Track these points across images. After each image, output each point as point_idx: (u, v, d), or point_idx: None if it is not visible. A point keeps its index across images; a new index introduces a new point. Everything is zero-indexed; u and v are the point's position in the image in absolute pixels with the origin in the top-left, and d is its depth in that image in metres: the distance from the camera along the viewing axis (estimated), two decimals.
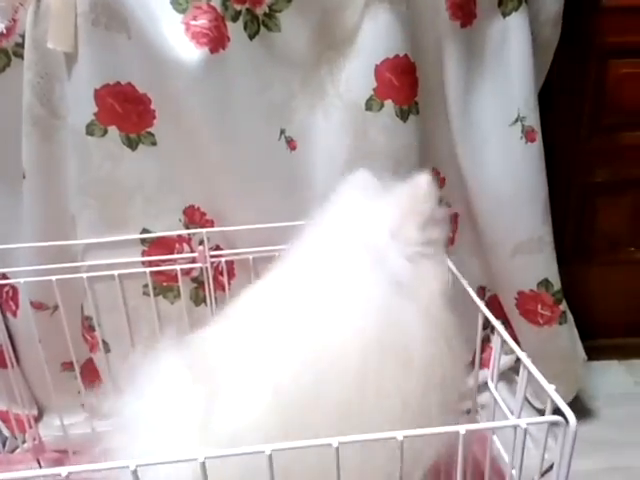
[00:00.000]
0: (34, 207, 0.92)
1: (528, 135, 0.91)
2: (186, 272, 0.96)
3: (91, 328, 0.98)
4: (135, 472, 0.42)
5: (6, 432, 1.04)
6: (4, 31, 0.83)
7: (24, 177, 0.91)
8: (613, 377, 1.27)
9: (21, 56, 0.87)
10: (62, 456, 1.04)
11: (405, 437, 0.44)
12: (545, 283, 1.00)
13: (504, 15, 0.86)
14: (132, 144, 0.88)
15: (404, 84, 0.87)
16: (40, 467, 1.00)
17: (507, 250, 0.98)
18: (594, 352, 1.22)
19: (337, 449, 0.45)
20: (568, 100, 1.17)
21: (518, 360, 0.56)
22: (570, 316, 1.08)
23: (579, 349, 1.10)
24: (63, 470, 0.42)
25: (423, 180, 0.59)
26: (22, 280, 0.92)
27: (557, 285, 1.00)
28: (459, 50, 0.87)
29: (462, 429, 0.46)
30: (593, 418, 1.16)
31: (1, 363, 1.05)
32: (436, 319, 0.55)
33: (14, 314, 1.03)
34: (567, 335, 1.05)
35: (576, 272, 1.26)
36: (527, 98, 0.88)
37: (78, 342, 1.03)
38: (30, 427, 1.01)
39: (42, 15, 0.80)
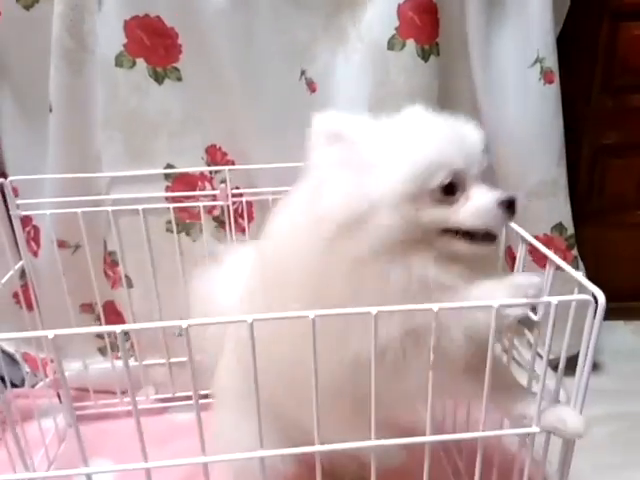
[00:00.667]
0: (60, 141, 0.94)
1: (546, 76, 0.92)
2: (208, 210, 0.98)
3: (114, 263, 1.00)
4: (187, 329, 0.45)
5: (26, 368, 1.06)
6: None
7: (50, 110, 0.92)
8: (619, 336, 1.31)
9: None
10: (83, 393, 1.06)
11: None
12: (559, 227, 1.02)
13: None
14: (159, 78, 0.90)
15: (426, 23, 0.89)
16: (60, 402, 1.02)
17: (523, 193, 0.99)
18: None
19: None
20: (580, 60, 1.18)
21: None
22: (582, 264, 1.10)
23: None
24: None
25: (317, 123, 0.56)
26: (48, 212, 0.94)
27: (570, 229, 1.02)
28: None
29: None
30: (600, 371, 1.20)
31: (19, 304, 1.06)
32: None
33: (35, 254, 1.05)
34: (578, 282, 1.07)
35: (585, 233, 1.27)
36: (546, 40, 0.90)
37: (98, 283, 1.05)
38: (52, 361, 1.03)
39: None
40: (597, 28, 1.15)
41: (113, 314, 1.08)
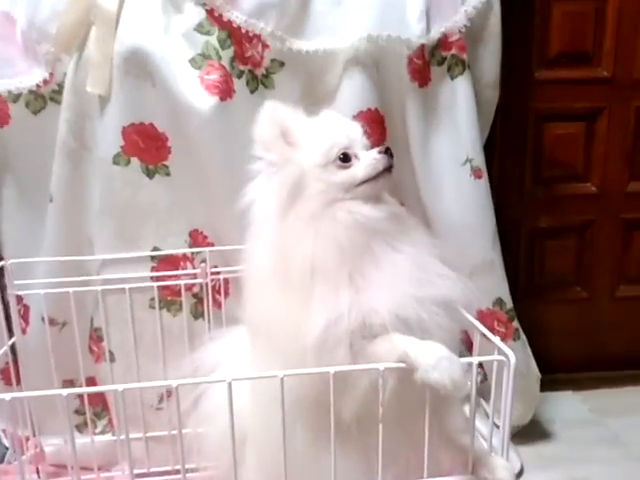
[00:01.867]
0: (57, 227, 1.06)
1: (476, 173, 1.12)
2: (188, 287, 1.09)
3: (99, 339, 1.09)
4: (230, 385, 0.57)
5: (6, 442, 1.10)
6: (47, 77, 1.01)
7: (51, 201, 1.05)
8: (569, 405, 1.40)
9: (55, 100, 1.04)
10: (62, 470, 1.09)
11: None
12: (499, 302, 1.17)
13: (452, 78, 1.09)
14: (150, 174, 1.05)
15: (375, 132, 1.08)
16: (39, 477, 1.06)
17: (465, 272, 1.15)
18: (550, 384, 1.35)
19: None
20: (512, 156, 1.39)
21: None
22: (523, 335, 1.24)
23: (533, 366, 1.24)
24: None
25: (265, 108, 0.76)
26: (43, 291, 1.04)
27: (509, 304, 1.17)
28: (418, 105, 1.08)
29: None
30: (551, 439, 1.29)
31: (6, 381, 1.12)
32: None
33: (23, 331, 1.13)
34: (521, 351, 1.20)
35: (530, 309, 1.40)
36: (474, 143, 1.10)
37: (79, 359, 1.12)
38: (34, 435, 1.07)
39: (82, 65, 0.99)
40: (524, 129, 1.36)
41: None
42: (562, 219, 1.41)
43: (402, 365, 0.65)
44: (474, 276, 1.11)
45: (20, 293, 1.03)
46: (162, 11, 0.98)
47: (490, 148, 1.26)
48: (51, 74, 1.01)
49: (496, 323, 1.16)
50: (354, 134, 0.76)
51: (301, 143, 0.73)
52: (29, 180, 1.05)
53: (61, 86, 1.02)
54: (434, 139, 1.10)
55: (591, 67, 1.32)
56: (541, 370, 1.23)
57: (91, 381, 1.14)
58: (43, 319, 1.08)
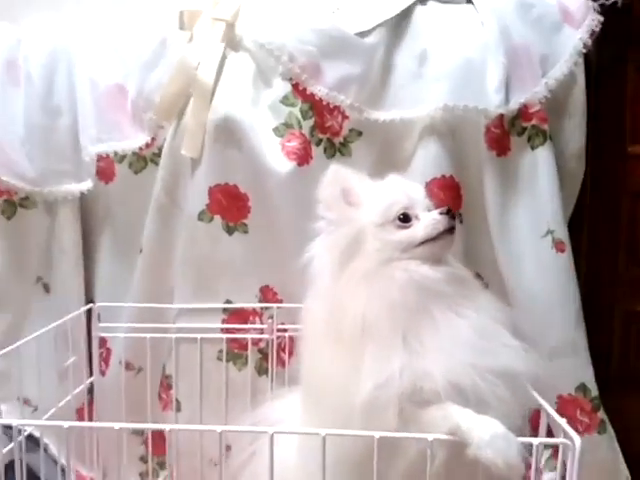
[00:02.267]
0: (143, 277, 1.14)
1: (557, 246, 1.06)
2: (255, 342, 1.12)
3: (169, 386, 1.14)
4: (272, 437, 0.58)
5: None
6: (149, 141, 1.13)
7: (140, 251, 1.14)
8: None
9: (155, 162, 1.15)
10: None
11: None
12: (583, 388, 1.07)
13: (532, 148, 1.07)
14: (230, 230, 1.11)
15: (449, 198, 1.07)
16: None
17: (544, 353, 1.07)
18: None
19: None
20: (604, 234, 1.31)
21: None
22: (610, 429, 1.11)
23: (621, 466, 1.10)
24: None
25: (329, 170, 0.78)
26: (122, 335, 1.11)
27: (594, 391, 1.06)
28: (496, 174, 1.07)
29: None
30: None
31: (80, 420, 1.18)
32: None
33: (103, 373, 1.21)
34: (607, 447, 1.08)
35: (623, 401, 1.26)
36: (555, 215, 1.05)
37: (153, 406, 1.17)
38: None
39: (180, 131, 1.10)
40: (617, 205, 1.28)
41: (160, 439, 1.17)
42: None
43: (453, 438, 0.61)
44: (554, 357, 1.04)
45: (103, 335, 1.10)
46: (252, 85, 1.08)
47: (579, 224, 1.20)
48: (153, 139, 1.12)
49: (578, 412, 1.06)
50: (416, 194, 0.77)
51: (362, 203, 0.75)
52: (125, 231, 1.15)
53: (161, 149, 1.13)
54: (513, 209, 1.07)
55: None
56: (633, 472, 1.08)
57: (158, 432, 1.15)
58: (121, 362, 1.14)
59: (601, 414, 1.07)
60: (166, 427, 0.63)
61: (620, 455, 1.09)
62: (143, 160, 1.15)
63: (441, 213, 0.74)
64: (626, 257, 1.30)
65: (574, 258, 1.11)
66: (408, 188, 0.78)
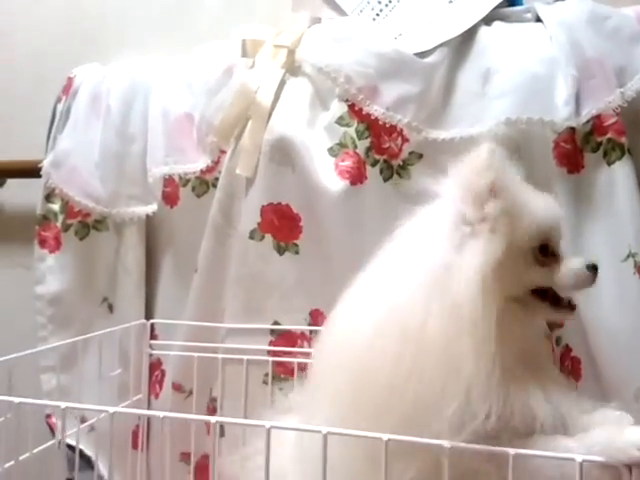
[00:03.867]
0: (198, 295, 1.14)
1: None
2: (302, 367, 1.06)
3: (214, 410, 1.10)
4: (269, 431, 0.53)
5: None
6: (210, 165, 1.16)
7: (196, 271, 1.15)
8: None
9: (216, 186, 1.18)
10: None
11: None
12: None
13: (609, 164, 0.97)
14: (281, 250, 1.10)
15: None
16: None
17: (629, 395, 0.92)
18: None
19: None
20: None
21: None
22: None
23: None
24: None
25: (483, 150, 0.58)
26: (172, 353, 1.11)
27: None
28: (568, 193, 0.98)
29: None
30: None
31: (133, 445, 1.18)
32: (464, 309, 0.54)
33: (157, 396, 1.20)
34: None
35: None
36: (637, 235, 0.93)
37: (199, 434, 1.13)
38: None
39: (237, 152, 1.12)
40: None
41: (206, 469, 1.13)
42: None
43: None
44: None
45: (153, 352, 1.10)
46: (309, 107, 1.09)
47: None
48: (216, 163, 1.15)
49: None
50: (560, 227, 0.64)
51: (512, 211, 0.59)
52: (185, 252, 1.18)
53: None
54: (588, 230, 0.96)
55: None
56: None
57: (205, 459, 1.12)
58: (173, 384, 1.13)
59: None
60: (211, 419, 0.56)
61: None
62: (205, 184, 1.18)
63: (588, 267, 0.61)
64: None
65: None
66: (556, 210, 0.64)
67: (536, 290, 0.60)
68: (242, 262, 1.09)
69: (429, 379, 0.53)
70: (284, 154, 1.08)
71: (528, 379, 0.56)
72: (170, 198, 1.21)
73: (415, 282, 0.58)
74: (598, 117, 0.97)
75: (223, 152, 1.16)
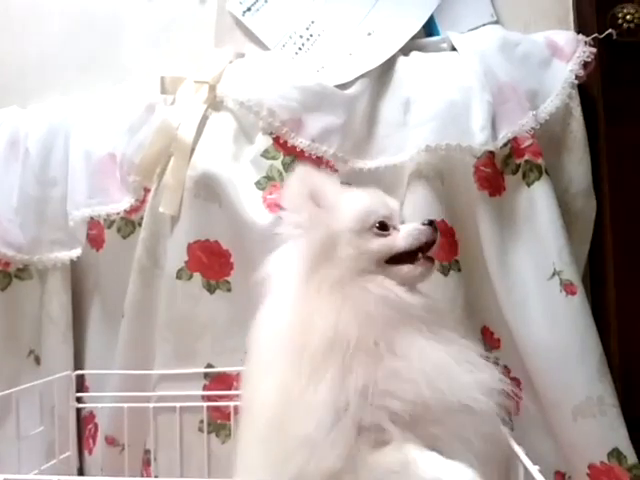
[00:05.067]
0: (126, 342, 1.09)
1: (567, 288, 0.94)
2: (239, 411, 1.02)
3: (149, 462, 1.04)
4: None
5: None
6: (134, 204, 1.12)
7: (122, 316, 1.10)
8: None
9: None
10: None
11: None
12: (616, 454, 0.90)
13: (528, 185, 0.99)
14: (211, 288, 1.06)
15: (443, 245, 0.99)
16: None
17: (567, 413, 0.92)
18: None
19: None
20: (633, 272, 1.17)
21: None
22: None
23: None
24: None
25: (295, 171, 0.73)
26: (100, 405, 1.04)
27: (632, 457, 0.89)
28: (491, 215, 0.99)
29: None
30: None
31: None
32: None
33: (90, 451, 1.13)
34: None
35: None
36: (560, 253, 0.94)
37: None
38: None
39: (160, 190, 1.09)
40: None
41: None
42: None
43: None
44: (579, 417, 0.89)
45: (78, 406, 1.04)
46: (234, 142, 1.07)
47: (599, 267, 1.07)
48: (141, 202, 1.11)
49: None
50: (394, 206, 0.74)
51: (333, 206, 0.70)
52: (113, 297, 1.13)
53: None
54: (513, 251, 0.98)
55: None
56: None
57: None
58: (106, 438, 1.06)
59: None
60: None
61: None
62: (131, 224, 1.14)
63: (424, 224, 0.70)
64: None
65: (599, 305, 0.99)
66: (386, 199, 0.74)
67: (391, 259, 0.68)
68: (170, 304, 1.05)
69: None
70: (209, 190, 1.06)
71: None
72: (95, 241, 1.16)
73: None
74: (515, 140, 0.99)
75: (148, 191, 1.12)
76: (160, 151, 1.08)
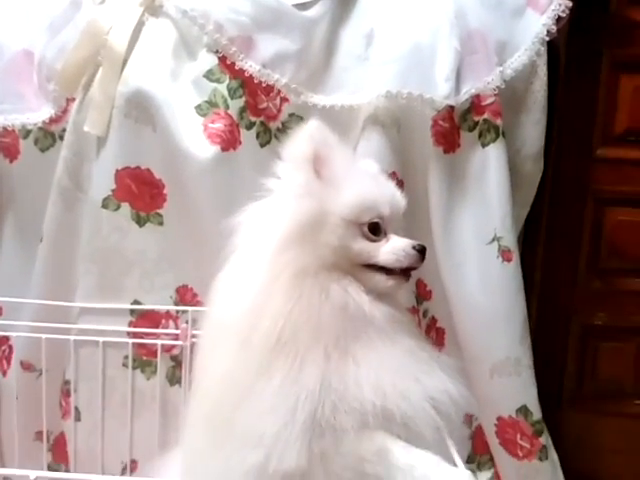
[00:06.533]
0: (44, 270, 1.01)
1: (504, 254, 0.95)
2: (167, 349, 0.99)
3: (68, 393, 1.01)
4: None
5: None
6: (53, 116, 0.98)
7: (41, 241, 1.00)
8: None
9: (64, 140, 1.01)
10: None
11: None
12: (524, 410, 0.97)
13: (483, 145, 0.96)
14: (140, 221, 0.98)
15: None
16: None
17: (485, 370, 0.97)
18: None
19: None
20: (564, 241, 1.21)
21: None
22: (554, 455, 1.02)
23: None
24: None
25: (308, 124, 0.63)
26: (15, 334, 0.98)
27: (537, 414, 0.97)
28: (442, 173, 0.96)
29: None
30: None
31: None
32: None
33: (4, 374, 1.07)
34: (549, 474, 0.99)
35: (576, 422, 1.20)
36: (503, 220, 0.95)
37: (55, 412, 1.04)
38: None
39: (86, 104, 0.96)
40: (581, 212, 1.19)
41: (64, 447, 1.05)
42: (621, 318, 1.20)
43: None
44: (495, 375, 0.94)
45: None
46: (173, 56, 0.94)
47: (536, 230, 1.09)
48: (62, 112, 0.97)
49: (519, 436, 0.96)
50: (397, 209, 0.66)
51: (335, 182, 0.61)
52: (29, 217, 1.02)
53: None
54: (458, 211, 0.96)
55: None
56: None
57: (61, 436, 1.04)
58: (22, 363, 1.01)
59: (544, 439, 0.97)
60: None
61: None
62: (51, 137, 1.01)
63: (414, 248, 0.63)
64: (586, 268, 1.21)
65: (528, 268, 1.02)
66: (394, 197, 0.66)
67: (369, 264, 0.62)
68: (94, 234, 0.97)
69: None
70: (142, 110, 0.95)
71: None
72: (9, 151, 1.03)
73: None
74: (477, 96, 0.94)
75: (72, 100, 0.99)
76: (86, 58, 0.94)
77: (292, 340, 0.55)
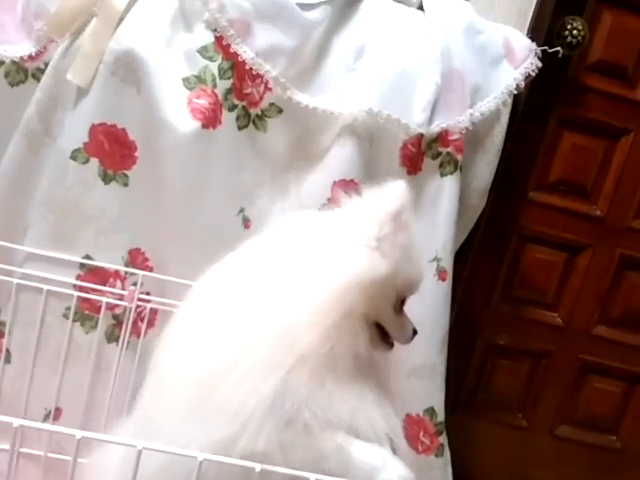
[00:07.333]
0: None
1: (440, 274, 1.06)
2: (110, 307, 1.01)
3: (2, 334, 1.00)
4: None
5: None
6: (33, 54, 0.95)
7: None
8: None
9: (37, 78, 0.98)
10: None
11: None
12: (430, 411, 1.09)
13: (442, 175, 1.05)
14: (107, 178, 0.98)
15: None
16: None
17: (404, 370, 1.08)
18: None
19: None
20: (487, 268, 1.35)
21: None
22: (448, 453, 1.16)
23: None
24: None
25: (399, 186, 0.63)
26: None
27: (441, 416, 1.09)
28: None
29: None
30: None
31: None
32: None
33: None
34: (441, 469, 1.12)
35: (465, 424, 1.35)
36: (445, 244, 1.05)
37: None
38: None
39: (72, 52, 0.94)
40: (505, 244, 1.33)
41: None
42: (521, 341, 1.36)
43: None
44: (412, 377, 1.05)
45: None
46: (170, 24, 0.94)
47: (465, 254, 1.21)
48: (41, 51, 0.95)
49: (422, 433, 1.09)
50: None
51: (404, 250, 0.64)
52: None
53: (47, 66, 0.96)
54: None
55: (587, 203, 1.30)
56: None
57: None
58: None
59: (442, 439, 1.10)
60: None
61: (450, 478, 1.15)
62: (23, 73, 0.98)
63: (414, 333, 0.73)
64: (501, 292, 1.36)
65: (453, 285, 1.12)
66: (423, 275, 0.71)
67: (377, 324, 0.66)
68: (57, 182, 0.96)
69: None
70: (130, 71, 0.95)
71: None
72: None
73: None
74: (446, 130, 1.03)
75: (53, 41, 0.96)
76: (82, 7, 0.92)
77: (312, 357, 0.58)
